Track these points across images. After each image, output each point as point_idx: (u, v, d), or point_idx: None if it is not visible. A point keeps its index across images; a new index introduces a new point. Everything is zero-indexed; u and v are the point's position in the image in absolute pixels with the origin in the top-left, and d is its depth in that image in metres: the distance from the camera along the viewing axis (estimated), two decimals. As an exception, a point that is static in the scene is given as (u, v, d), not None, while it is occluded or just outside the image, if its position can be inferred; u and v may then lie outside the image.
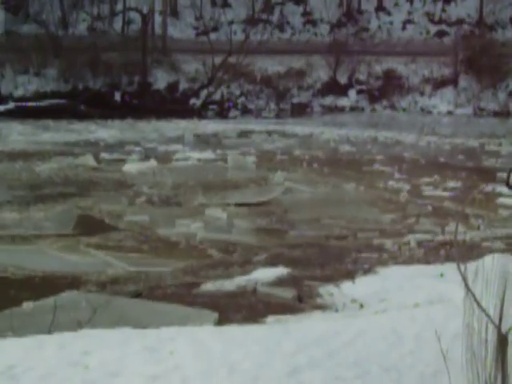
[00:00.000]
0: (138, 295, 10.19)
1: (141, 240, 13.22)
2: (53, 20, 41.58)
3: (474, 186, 18.31)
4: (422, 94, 36.95)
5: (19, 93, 35.63)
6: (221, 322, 9.05)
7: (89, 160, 21.37)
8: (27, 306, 9.58)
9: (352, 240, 13.18)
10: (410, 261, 11.94)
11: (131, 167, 20.71)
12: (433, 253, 12.38)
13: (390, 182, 18.35)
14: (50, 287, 10.40)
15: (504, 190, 17.07)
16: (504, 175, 17.77)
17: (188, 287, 10.64)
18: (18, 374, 6.41)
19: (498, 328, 4.62)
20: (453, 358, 5.73)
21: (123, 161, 21.63)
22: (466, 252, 10.25)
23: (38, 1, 44.42)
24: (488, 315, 4.85)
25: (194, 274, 11.26)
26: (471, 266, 5.35)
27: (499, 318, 4.73)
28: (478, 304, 4.96)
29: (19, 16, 44.70)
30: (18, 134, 27.85)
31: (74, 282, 10.70)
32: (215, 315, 9.33)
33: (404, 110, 36.33)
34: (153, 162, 21.00)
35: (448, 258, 11.85)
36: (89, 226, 14.43)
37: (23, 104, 34.21)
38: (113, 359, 6.77)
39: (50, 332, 7.87)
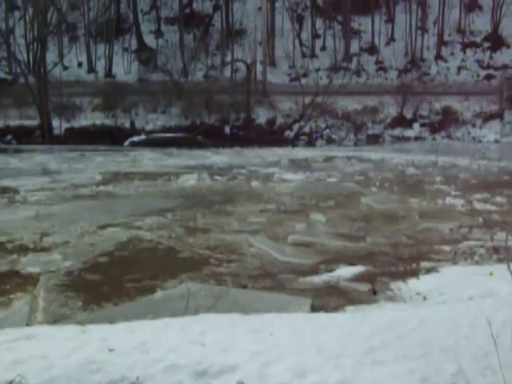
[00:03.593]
0: (244, 286, 10.26)
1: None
2: (176, 69, 42.12)
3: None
4: (473, 125, 36.30)
5: (149, 127, 36.14)
6: (313, 308, 9.06)
7: (191, 179, 21.72)
8: (158, 294, 9.72)
9: (417, 245, 13.05)
10: (465, 262, 11.76)
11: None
12: (483, 256, 12.17)
13: (448, 198, 18.07)
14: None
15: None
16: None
17: (284, 281, 10.68)
18: (149, 348, 6.53)
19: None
20: (501, 342, 5.63)
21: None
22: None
23: (164, 54, 45.15)
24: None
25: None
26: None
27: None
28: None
29: (149, 66, 45.51)
30: (149, 159, 28.28)
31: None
32: (309, 301, 9.35)
33: (459, 139, 35.72)
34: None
35: (496, 261, 11.66)
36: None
37: (153, 136, 34.77)
38: (224, 338, 6.82)
39: (184, 315, 7.95)
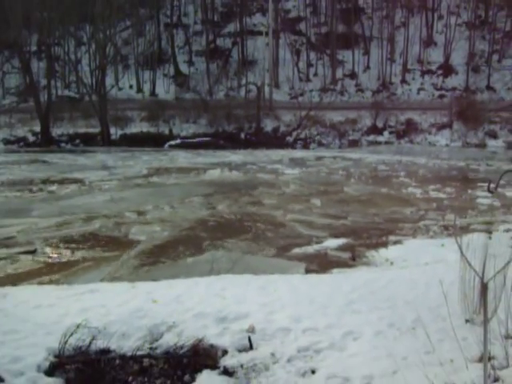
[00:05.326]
0: (255, 254, 10.25)
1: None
2: (203, 90, 42.00)
3: (462, 191, 17.77)
4: (429, 133, 35.98)
5: (184, 133, 35.99)
6: (307, 270, 9.06)
7: (215, 172, 21.65)
8: (189, 259, 9.73)
9: (386, 223, 13.01)
10: (422, 237, 11.72)
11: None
12: (436, 232, 12.12)
13: (409, 188, 17.98)
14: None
15: (482, 193, 16.58)
16: (483, 184, 17.39)
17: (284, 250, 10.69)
18: (183, 300, 6.54)
19: (481, 279, 4.50)
20: (450, 297, 5.60)
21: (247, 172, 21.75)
22: (460, 231, 10.03)
23: (195, 79, 45.02)
24: (475, 270, 4.72)
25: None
26: (464, 239, 5.23)
27: (482, 273, 4.59)
28: (469, 264, 4.83)
29: (183, 88, 45.32)
30: (183, 158, 28.20)
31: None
32: (304, 265, 9.37)
33: (418, 143, 35.48)
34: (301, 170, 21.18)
35: (446, 235, 11.60)
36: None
37: (186, 140, 34.73)
38: (239, 293, 6.83)
39: (209, 275, 7.96)
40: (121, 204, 15.15)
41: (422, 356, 5.08)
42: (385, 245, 10.85)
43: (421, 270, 8.22)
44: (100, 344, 5.52)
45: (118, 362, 5.37)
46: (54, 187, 18.34)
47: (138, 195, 16.81)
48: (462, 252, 4.90)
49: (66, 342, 5.41)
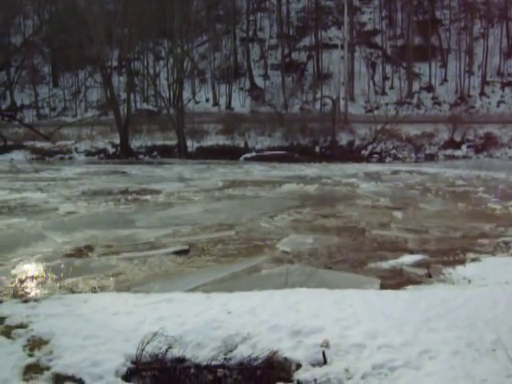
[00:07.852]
0: (329, 268, 10.19)
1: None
2: (279, 103, 42.19)
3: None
4: (510, 147, 34.95)
5: (259, 146, 36.32)
6: (382, 286, 8.94)
7: (292, 186, 21.60)
8: (264, 272, 9.76)
9: (464, 239, 12.66)
10: (502, 254, 11.35)
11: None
12: (517, 249, 11.72)
13: (488, 204, 17.47)
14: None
15: None
16: None
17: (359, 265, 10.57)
18: (257, 312, 6.58)
19: None
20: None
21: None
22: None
23: (270, 92, 45.33)
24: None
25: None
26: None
27: None
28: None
29: (259, 101, 45.74)
30: (258, 171, 28.42)
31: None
32: (379, 281, 9.25)
33: (498, 157, 34.44)
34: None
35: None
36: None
37: (261, 153, 35.00)
38: (314, 307, 6.81)
39: (283, 288, 7.96)
40: (218, 215, 15.40)
41: (502, 379, 4.91)
42: (462, 262, 10.55)
43: (501, 288, 7.95)
44: (176, 352, 5.62)
45: (192, 371, 5.45)
46: (145, 196, 18.88)
47: (228, 207, 17.00)
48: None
49: (143, 349, 5.54)
